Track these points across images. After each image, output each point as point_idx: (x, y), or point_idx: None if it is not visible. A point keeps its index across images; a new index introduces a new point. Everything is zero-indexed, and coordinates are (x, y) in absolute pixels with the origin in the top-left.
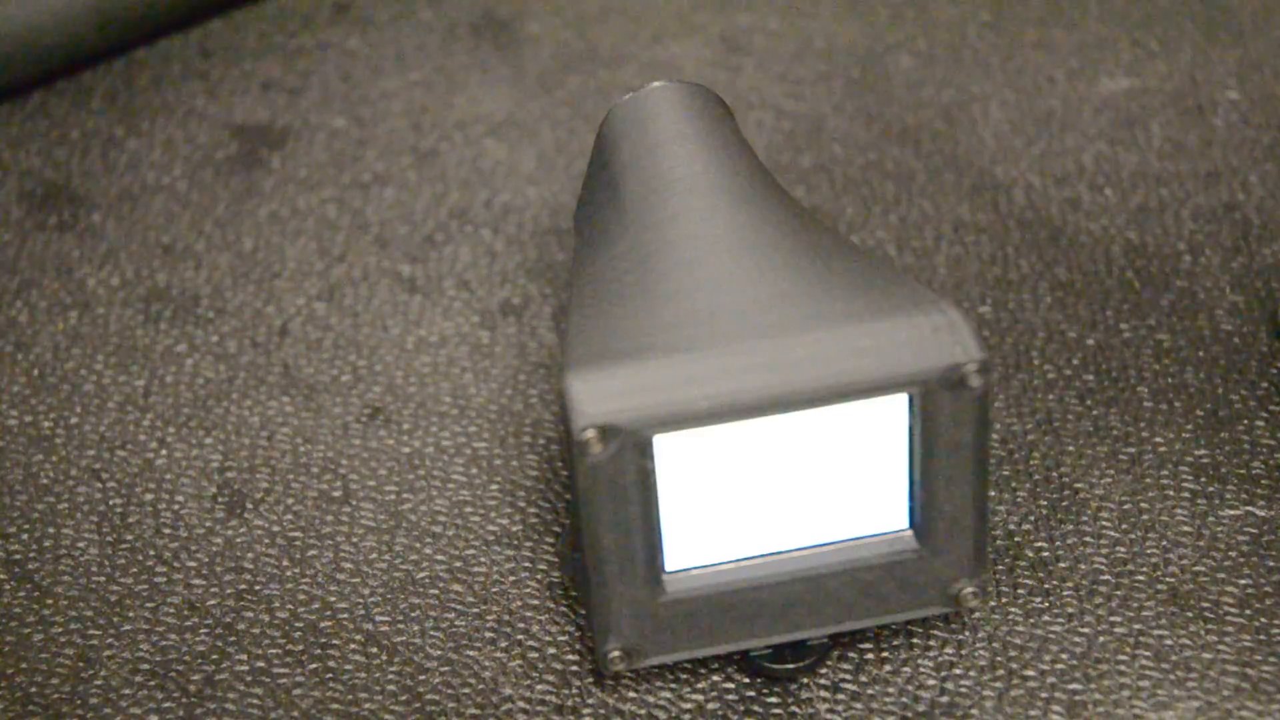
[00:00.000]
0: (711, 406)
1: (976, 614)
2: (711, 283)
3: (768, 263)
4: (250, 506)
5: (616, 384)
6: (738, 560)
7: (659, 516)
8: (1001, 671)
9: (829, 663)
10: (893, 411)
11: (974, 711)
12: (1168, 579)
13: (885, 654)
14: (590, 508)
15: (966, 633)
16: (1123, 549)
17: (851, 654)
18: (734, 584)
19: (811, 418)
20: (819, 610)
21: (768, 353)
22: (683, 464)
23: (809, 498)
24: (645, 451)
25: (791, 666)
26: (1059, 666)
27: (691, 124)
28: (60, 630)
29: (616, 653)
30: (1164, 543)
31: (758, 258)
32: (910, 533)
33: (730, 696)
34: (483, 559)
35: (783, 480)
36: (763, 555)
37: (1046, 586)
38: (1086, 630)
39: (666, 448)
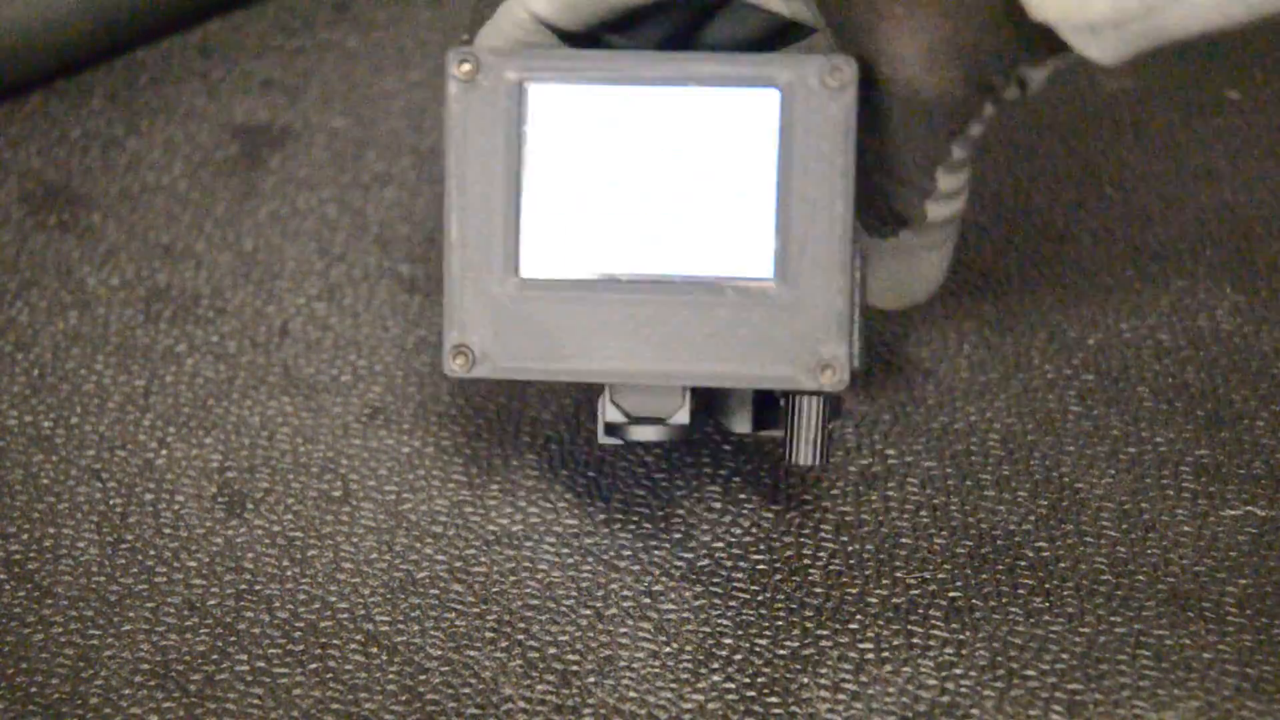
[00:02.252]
0: (587, 67)
1: (842, 392)
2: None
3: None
4: (250, 506)
5: (498, 50)
6: (594, 276)
7: (522, 188)
8: (1002, 671)
9: (829, 663)
10: (762, 112)
11: (974, 711)
12: (1168, 579)
13: (885, 654)
14: (456, 151)
15: (967, 633)
16: (1123, 549)
17: (852, 654)
18: (588, 297)
19: (682, 99)
20: (673, 353)
21: (654, 56)
22: (553, 123)
23: (675, 216)
24: (517, 98)
25: (649, 430)
26: (1059, 666)
27: None
28: (60, 630)
29: (459, 347)
30: (1164, 543)
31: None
32: (773, 277)
33: (730, 696)
34: (483, 559)
35: (650, 182)
36: (621, 275)
37: (1046, 586)
38: (1087, 630)
39: (538, 99)
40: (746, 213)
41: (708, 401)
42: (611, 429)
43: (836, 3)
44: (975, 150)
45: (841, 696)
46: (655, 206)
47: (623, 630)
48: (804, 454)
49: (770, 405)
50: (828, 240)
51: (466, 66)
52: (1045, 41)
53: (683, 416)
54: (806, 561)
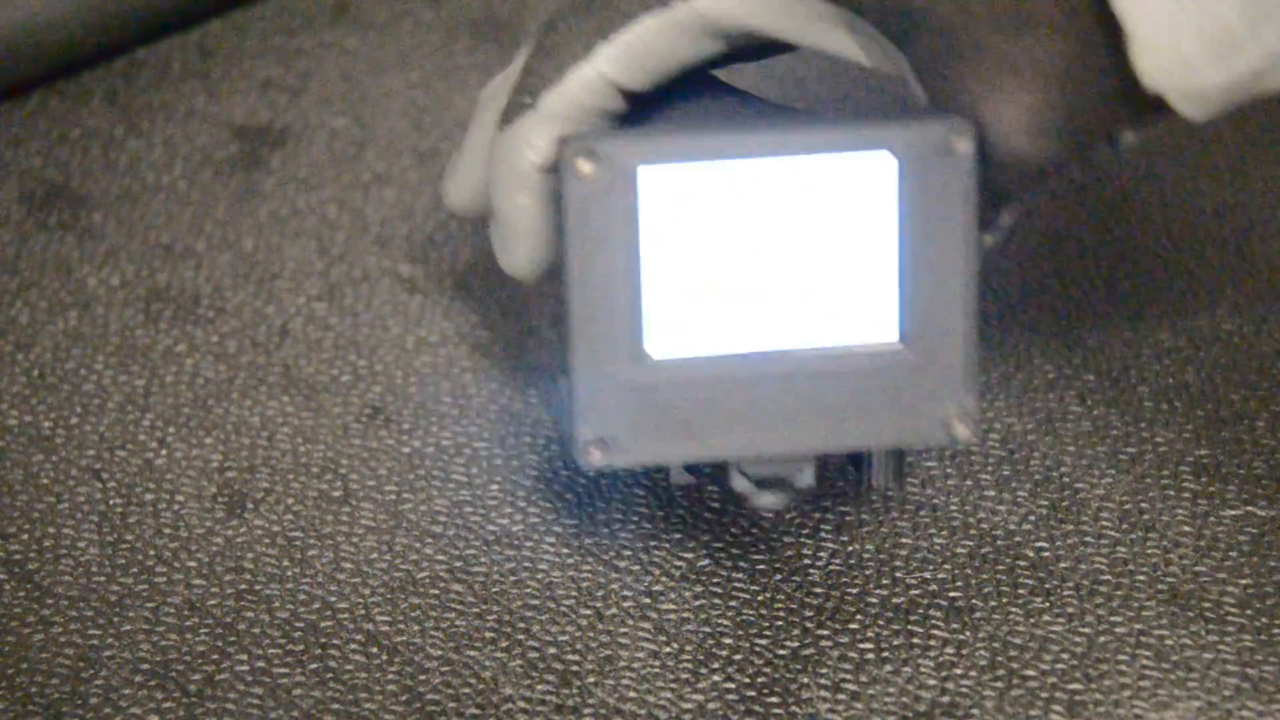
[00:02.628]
0: (699, 145)
1: (971, 449)
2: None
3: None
4: (250, 506)
5: (607, 134)
6: (721, 353)
7: (641, 270)
8: (1002, 671)
9: (829, 663)
10: (880, 177)
11: (974, 711)
12: (1168, 579)
13: (885, 654)
14: (575, 239)
15: (967, 633)
16: (1123, 549)
17: (852, 654)
18: (717, 375)
19: (797, 168)
20: (803, 423)
21: (759, 125)
22: (668, 203)
23: (797, 286)
24: (632, 182)
25: (774, 497)
26: (1059, 666)
27: None
28: (60, 630)
29: (592, 440)
30: (1164, 543)
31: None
32: (898, 340)
33: (730, 696)
34: (483, 559)
35: (770, 253)
36: (748, 351)
37: (1047, 586)
38: (1087, 630)
39: (651, 182)
40: (869, 279)
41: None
42: (740, 499)
43: (934, 66)
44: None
45: (841, 696)
46: (777, 278)
47: (623, 630)
48: (884, 477)
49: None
50: (951, 300)
51: (588, 166)
52: (1151, 108)
53: (807, 480)
54: (806, 561)
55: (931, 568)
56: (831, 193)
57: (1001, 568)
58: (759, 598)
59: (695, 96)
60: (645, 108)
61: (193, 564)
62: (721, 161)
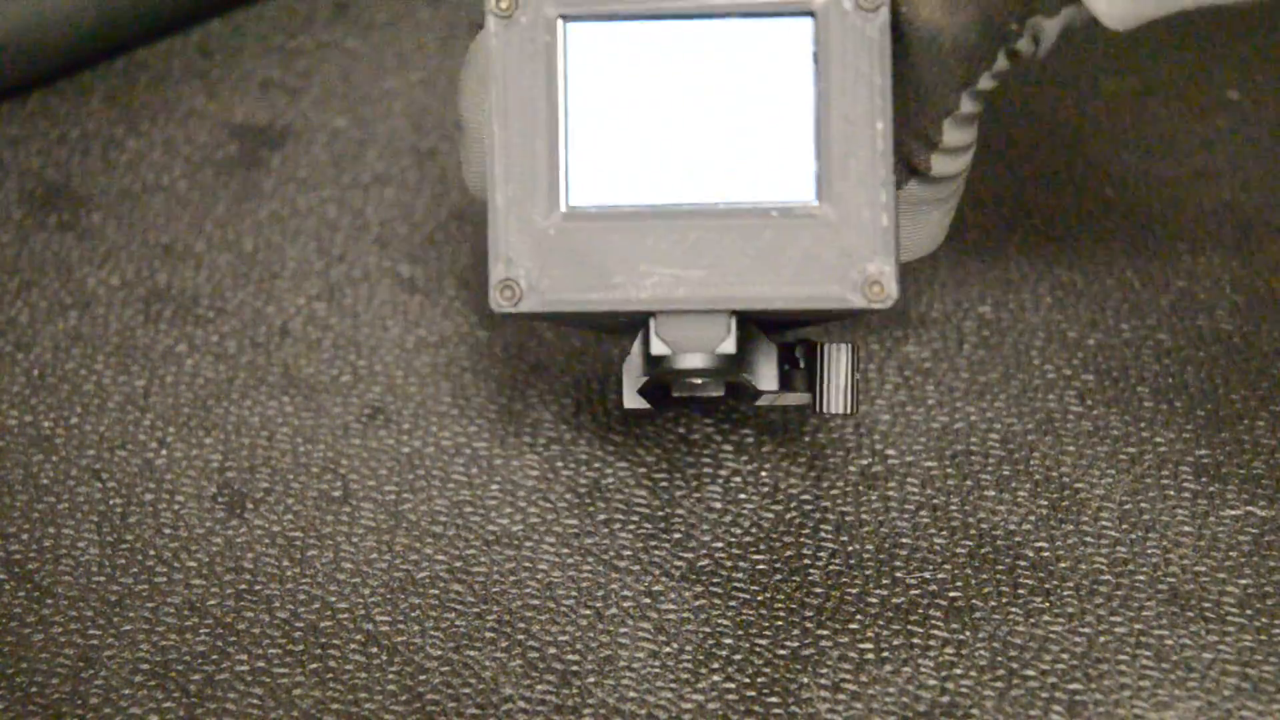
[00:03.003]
0: (623, 2)
1: (883, 302)
2: None
3: None
4: (250, 506)
5: None
6: (638, 203)
7: (562, 120)
8: (1002, 671)
9: (829, 663)
10: (797, 37)
11: (974, 711)
12: (1168, 579)
13: (885, 654)
14: (498, 86)
15: (967, 633)
16: (1123, 549)
17: (852, 654)
18: (633, 225)
19: (718, 30)
20: (719, 278)
21: None
22: (591, 57)
23: (716, 143)
24: (555, 33)
25: (697, 359)
26: (1059, 666)
27: None
28: (60, 630)
29: (505, 282)
30: (1164, 543)
31: None
32: (814, 199)
33: (730, 696)
34: (483, 559)
35: (690, 112)
36: (665, 203)
37: (1046, 586)
38: (1087, 630)
39: (576, 35)
40: (786, 137)
41: (737, 359)
42: (657, 362)
43: None
44: (984, 105)
45: (841, 696)
46: (696, 135)
47: (623, 630)
48: (836, 402)
49: (792, 368)
50: (868, 159)
51: (505, 2)
52: None
53: (729, 346)
54: (806, 561)
55: (931, 568)
56: (752, 53)
57: (1001, 568)
58: (759, 598)
59: None
60: None
61: (193, 564)
62: (644, 21)
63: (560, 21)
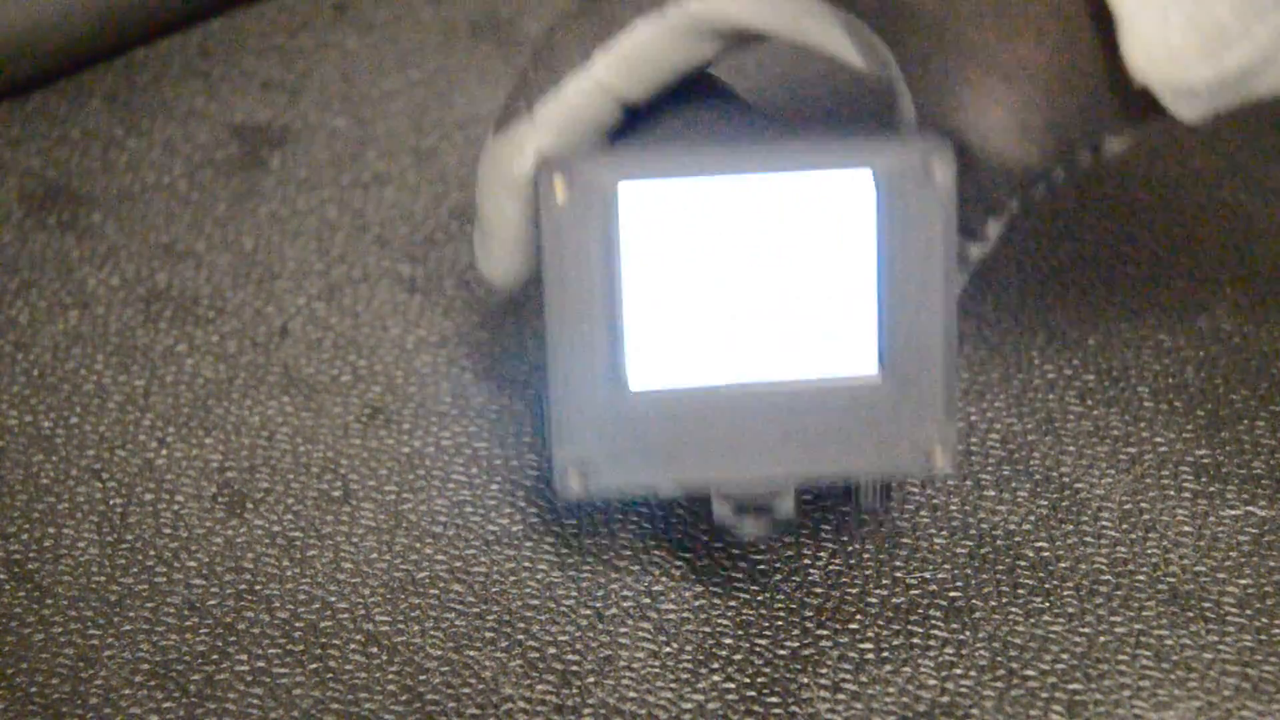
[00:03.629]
0: (679, 162)
1: (949, 477)
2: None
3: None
4: (250, 506)
5: (586, 154)
6: (701, 385)
7: (621, 296)
8: (1002, 671)
9: (829, 663)
10: (859, 197)
11: (974, 711)
12: (1168, 579)
13: (885, 654)
14: (553, 262)
15: (967, 633)
16: (1123, 549)
17: (852, 654)
18: (696, 406)
19: (776, 186)
20: (782, 453)
21: (741, 140)
22: (648, 222)
23: (778, 316)
24: (611, 200)
25: (756, 525)
26: (1059, 666)
27: None
28: (60, 630)
29: (572, 467)
30: (1164, 543)
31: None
32: (877, 370)
33: (730, 696)
34: (483, 559)
35: (750, 278)
36: (728, 383)
37: (1046, 586)
38: (1087, 630)
39: (630, 198)
40: (848, 305)
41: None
42: (721, 528)
43: (923, 67)
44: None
45: (841, 696)
46: (757, 306)
47: (623, 630)
48: (872, 499)
49: None
50: (931, 330)
51: (562, 185)
52: (1138, 108)
53: (788, 511)
54: (806, 561)
55: (931, 568)
56: (811, 211)
57: (1001, 568)
58: (759, 598)
59: (688, 107)
60: (639, 121)
61: (193, 564)
62: (701, 178)
63: (618, 187)
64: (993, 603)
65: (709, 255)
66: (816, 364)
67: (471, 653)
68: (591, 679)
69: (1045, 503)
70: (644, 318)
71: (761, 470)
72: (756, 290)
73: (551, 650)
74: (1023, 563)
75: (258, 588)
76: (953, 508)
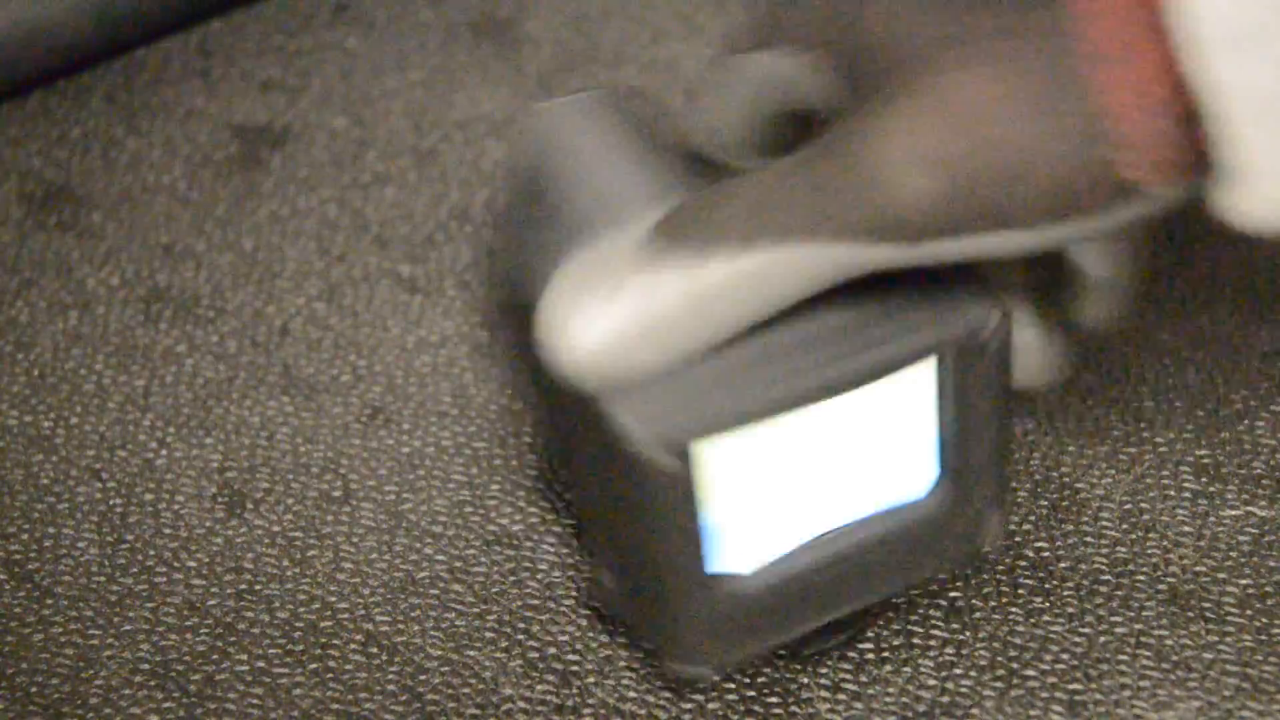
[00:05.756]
0: (746, 409)
1: (990, 551)
2: None
3: None
4: (250, 506)
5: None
6: (783, 554)
7: (705, 525)
8: (1002, 671)
9: (829, 662)
10: (920, 372)
11: (974, 711)
12: (1168, 579)
13: (885, 654)
14: (653, 522)
15: (966, 633)
16: (1123, 549)
17: (851, 654)
18: (781, 575)
19: (844, 402)
20: (854, 587)
21: (793, 353)
22: (724, 467)
23: (846, 477)
24: (685, 459)
25: (833, 643)
26: (1059, 666)
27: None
28: (60, 630)
29: (688, 668)
30: (1164, 543)
31: None
32: (942, 493)
33: (730, 696)
34: (483, 559)
35: (822, 466)
36: (808, 542)
37: (1047, 586)
38: (1087, 630)
39: (706, 453)
40: (910, 457)
41: None
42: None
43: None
44: None
45: (841, 696)
46: (828, 479)
47: (622, 630)
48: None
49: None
50: (982, 459)
51: (663, 457)
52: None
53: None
54: None
55: None
56: (875, 399)
57: (1001, 568)
58: None
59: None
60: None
61: (193, 564)
62: (770, 421)
63: (691, 446)
64: (993, 603)
65: (785, 464)
66: (880, 501)
67: (471, 653)
68: (591, 679)
69: (1045, 503)
70: (728, 534)
71: (837, 608)
72: (827, 469)
73: (551, 650)
74: (1023, 563)
75: (258, 588)
76: None
